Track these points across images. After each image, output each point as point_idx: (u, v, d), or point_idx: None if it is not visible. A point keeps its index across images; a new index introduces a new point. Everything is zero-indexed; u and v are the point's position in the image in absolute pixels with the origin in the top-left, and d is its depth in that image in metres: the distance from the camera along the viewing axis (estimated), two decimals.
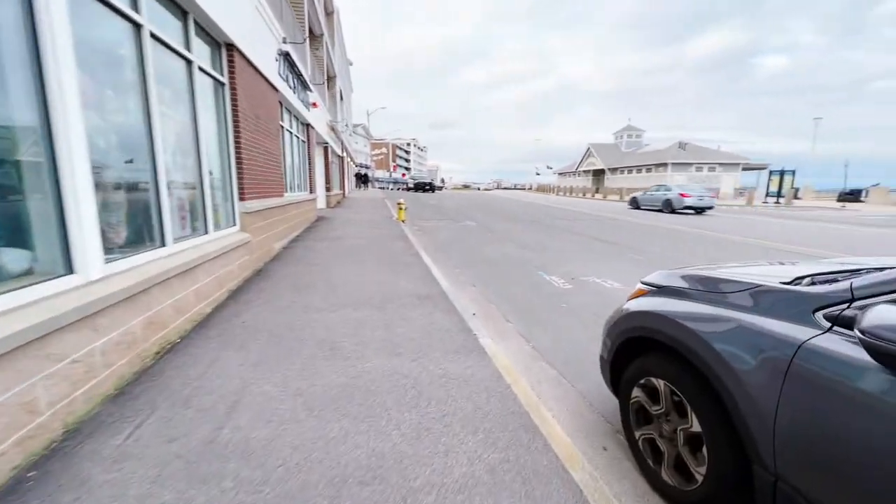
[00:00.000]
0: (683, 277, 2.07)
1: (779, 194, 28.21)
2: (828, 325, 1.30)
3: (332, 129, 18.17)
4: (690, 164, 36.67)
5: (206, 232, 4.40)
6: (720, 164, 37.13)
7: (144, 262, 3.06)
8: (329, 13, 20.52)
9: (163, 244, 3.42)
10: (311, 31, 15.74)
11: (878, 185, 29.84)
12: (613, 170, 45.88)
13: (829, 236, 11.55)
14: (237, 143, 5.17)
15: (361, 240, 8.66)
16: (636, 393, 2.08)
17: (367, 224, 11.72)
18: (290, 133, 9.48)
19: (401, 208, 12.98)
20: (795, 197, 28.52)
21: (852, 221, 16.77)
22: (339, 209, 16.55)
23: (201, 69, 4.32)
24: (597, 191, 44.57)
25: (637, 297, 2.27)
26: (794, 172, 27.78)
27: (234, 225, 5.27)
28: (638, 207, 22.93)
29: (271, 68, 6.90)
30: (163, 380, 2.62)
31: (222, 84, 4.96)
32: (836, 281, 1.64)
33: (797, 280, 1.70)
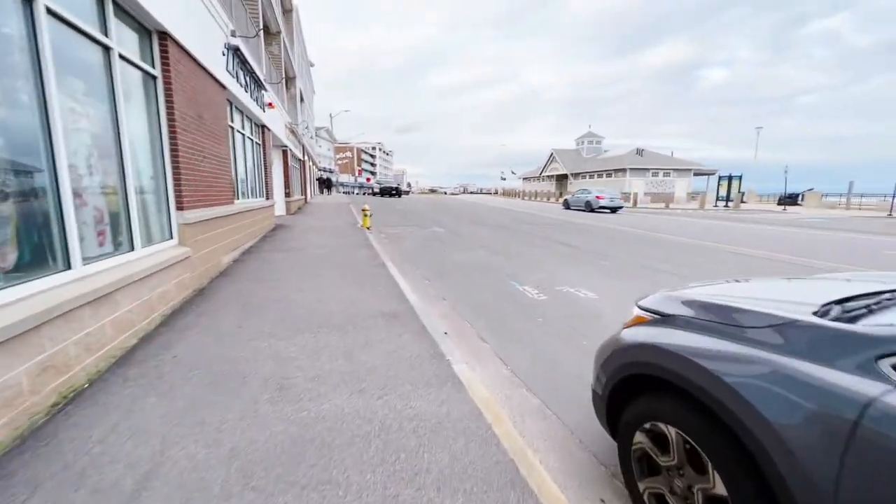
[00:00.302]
0: (688, 304, 1.80)
1: (727, 198, 29.96)
2: None
3: (292, 131, 17.32)
4: (647, 170, 38.30)
5: (133, 248, 3.77)
6: (674, 169, 39.05)
7: (37, 292, 2.46)
8: (287, 10, 19.66)
9: (67, 266, 2.81)
10: (266, 28, 14.92)
11: (811, 189, 32.41)
12: (576, 175, 47.16)
13: (781, 239, 12.16)
14: (174, 144, 4.54)
15: (322, 249, 8.07)
16: (639, 438, 1.78)
17: (330, 232, 11.09)
18: (242, 135, 8.76)
19: (366, 214, 12.43)
20: (741, 201, 30.38)
21: (795, 224, 17.92)
22: (300, 216, 15.72)
23: (124, 58, 3.71)
24: (560, 195, 45.65)
25: (635, 324, 1.98)
26: (740, 178, 29.61)
27: (171, 238, 4.62)
28: (569, 208, 27.30)
29: (217, 63, 6.26)
30: (54, 445, 2.06)
31: (154, 77, 4.34)
32: (871, 311, 1.42)
33: (825, 308, 1.47)
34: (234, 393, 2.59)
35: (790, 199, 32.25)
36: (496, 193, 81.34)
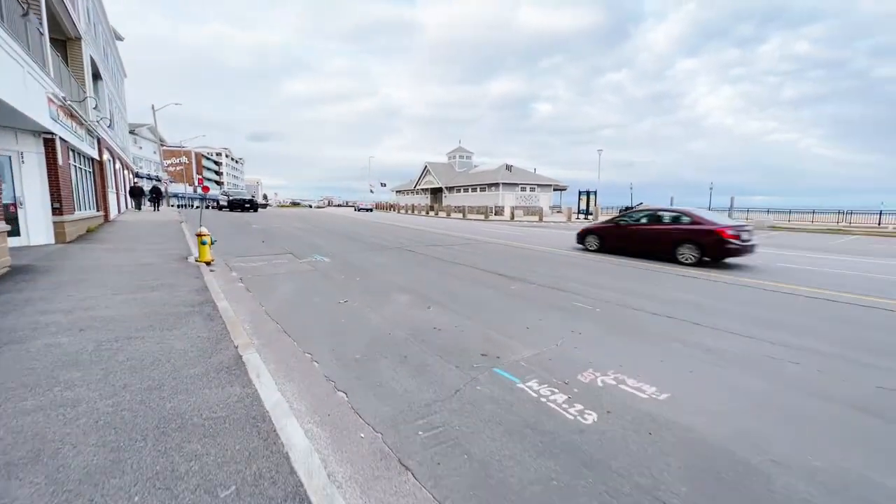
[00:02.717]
0: None
1: (587, 211, 33.13)
2: None
3: (70, 113, 11.19)
4: (517, 185, 40.42)
5: None
6: (538, 185, 42.22)
7: None
8: None
9: None
10: None
11: (641, 203, 38.47)
12: (450, 188, 47.25)
13: None
14: None
15: (87, 335, 3.85)
16: None
17: (128, 277, 6.47)
18: None
19: (203, 242, 8.03)
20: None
21: None
22: (86, 244, 9.94)
23: None
24: (438, 208, 45.02)
25: None
26: (596, 193, 33.11)
27: None
28: (356, 211, 47.87)
29: None
30: None
31: None
32: None
33: None
34: None
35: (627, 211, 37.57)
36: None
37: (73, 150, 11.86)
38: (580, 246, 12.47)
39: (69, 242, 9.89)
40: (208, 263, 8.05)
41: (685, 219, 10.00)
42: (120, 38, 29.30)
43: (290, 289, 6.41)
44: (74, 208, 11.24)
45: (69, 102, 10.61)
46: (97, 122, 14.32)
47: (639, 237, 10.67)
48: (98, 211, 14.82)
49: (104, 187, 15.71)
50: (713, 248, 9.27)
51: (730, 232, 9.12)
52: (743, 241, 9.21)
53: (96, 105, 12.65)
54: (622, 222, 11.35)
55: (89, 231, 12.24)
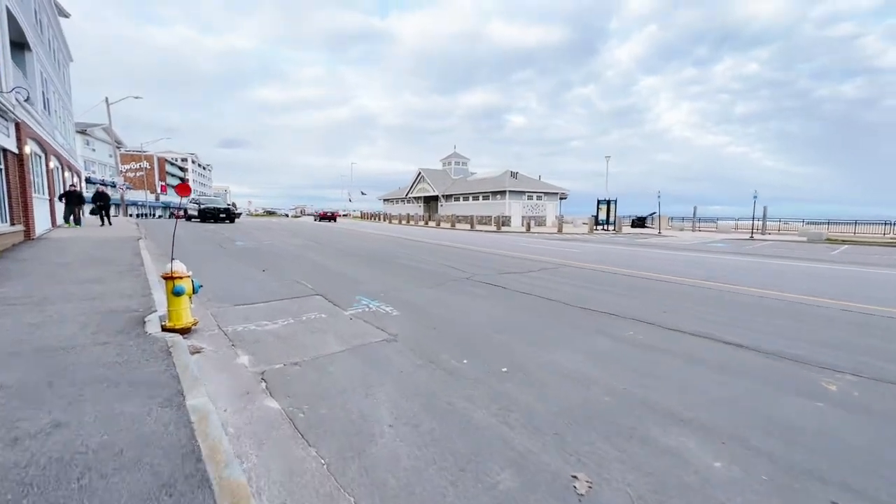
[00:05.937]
0: None
1: (608, 221, 30.41)
2: None
3: None
4: (524, 193, 37.43)
5: None
6: (545, 192, 39.42)
7: None
8: None
9: None
10: None
11: (654, 213, 36.27)
12: (447, 196, 43.77)
13: (838, 278, 9.23)
14: None
15: None
16: None
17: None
18: None
19: (175, 290, 4.13)
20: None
21: (741, 251, 16.83)
22: None
23: None
24: (437, 218, 41.45)
25: None
26: (616, 201, 30.46)
27: None
28: (318, 220, 45.31)
29: None
30: None
31: None
32: None
33: None
34: None
35: (640, 221, 35.28)
36: (345, 216, 74.42)
37: None
38: None
39: None
40: (186, 332, 4.16)
41: (336, 209, 49.66)
42: (65, 14, 24.39)
43: (398, 425, 2.65)
44: None
45: None
46: (13, 96, 9.96)
47: (323, 217, 43.85)
48: (13, 224, 10.36)
49: (25, 192, 11.23)
50: (332, 217, 44.57)
51: (329, 213, 44.73)
52: (327, 216, 44.10)
53: (23, 83, 8.33)
54: (326, 213, 44.61)
55: None
